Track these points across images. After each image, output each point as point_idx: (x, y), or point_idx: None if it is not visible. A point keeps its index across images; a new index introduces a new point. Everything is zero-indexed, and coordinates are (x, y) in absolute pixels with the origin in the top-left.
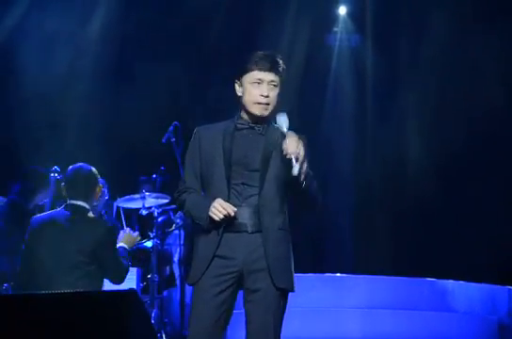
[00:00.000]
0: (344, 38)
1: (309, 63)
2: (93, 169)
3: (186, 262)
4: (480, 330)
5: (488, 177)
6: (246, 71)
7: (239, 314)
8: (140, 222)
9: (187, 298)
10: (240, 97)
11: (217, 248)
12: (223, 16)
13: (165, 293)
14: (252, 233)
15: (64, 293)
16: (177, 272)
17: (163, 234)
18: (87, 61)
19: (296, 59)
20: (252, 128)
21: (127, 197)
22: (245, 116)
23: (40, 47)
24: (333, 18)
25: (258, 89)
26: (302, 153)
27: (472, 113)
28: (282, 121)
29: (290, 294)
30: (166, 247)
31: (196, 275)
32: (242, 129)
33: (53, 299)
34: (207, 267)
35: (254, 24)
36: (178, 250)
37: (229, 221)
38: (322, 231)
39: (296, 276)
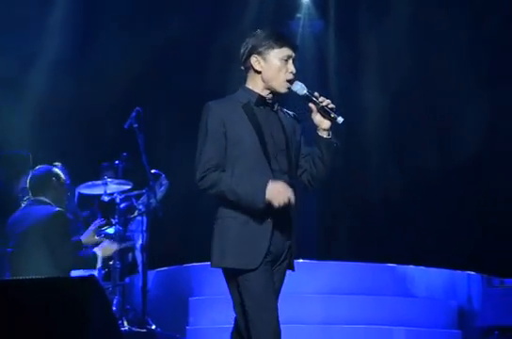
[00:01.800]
0: (306, 24)
1: None
2: (48, 169)
3: (149, 248)
4: (440, 315)
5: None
6: (274, 46)
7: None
8: (102, 209)
9: (150, 285)
10: (258, 72)
11: (272, 234)
12: (186, 3)
13: (127, 280)
14: (287, 223)
15: (22, 279)
16: (139, 259)
17: (125, 221)
18: (45, 46)
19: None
20: (268, 105)
21: (89, 183)
22: (262, 91)
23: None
24: (296, 4)
25: (287, 67)
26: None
27: (434, 101)
28: (301, 86)
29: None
30: (128, 233)
31: (255, 261)
32: (260, 105)
33: (11, 286)
34: (267, 253)
35: (217, 10)
36: (140, 236)
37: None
38: (304, 218)
39: None
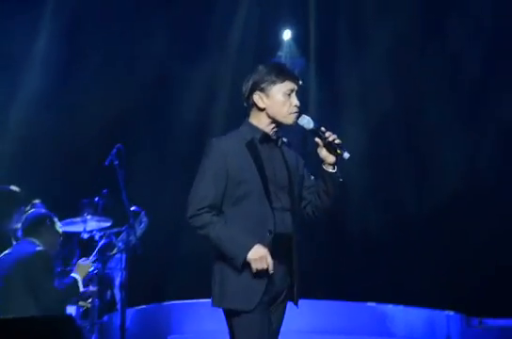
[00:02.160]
0: (288, 62)
1: None
2: (43, 212)
3: (128, 286)
4: None
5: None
6: (276, 81)
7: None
8: (81, 246)
9: (128, 323)
10: (261, 109)
11: (269, 278)
12: (169, 41)
13: (105, 318)
14: (287, 262)
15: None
16: (118, 296)
17: (104, 258)
18: (26, 81)
19: (242, 83)
20: (272, 141)
21: (68, 220)
22: (266, 128)
23: None
24: (278, 42)
25: (291, 100)
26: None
27: (414, 137)
28: (308, 120)
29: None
30: (107, 271)
31: (252, 303)
32: (264, 142)
33: None
34: (263, 294)
35: (199, 48)
36: (120, 274)
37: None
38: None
39: None
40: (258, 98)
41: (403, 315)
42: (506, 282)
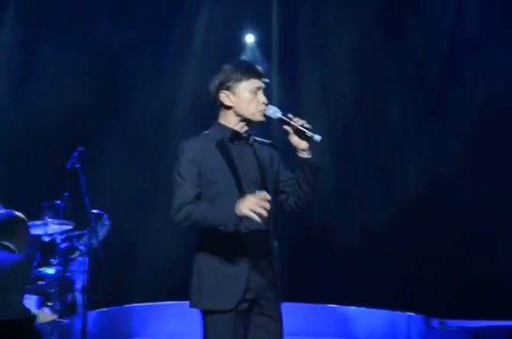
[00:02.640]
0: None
1: None
2: (14, 214)
3: (90, 289)
4: None
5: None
6: (241, 79)
7: None
8: (42, 249)
9: (89, 326)
10: (229, 107)
11: (249, 276)
12: (128, 47)
13: (66, 321)
14: (265, 258)
15: None
16: (79, 300)
17: (66, 261)
18: None
19: (204, 87)
20: (243, 138)
21: (29, 223)
22: (235, 126)
23: None
24: (240, 46)
25: (258, 98)
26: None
27: (376, 143)
28: (274, 110)
29: (192, 322)
30: (68, 274)
31: (231, 302)
32: (234, 141)
33: None
34: (243, 295)
35: (161, 50)
36: (81, 277)
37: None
38: None
39: None
40: (225, 96)
41: (364, 317)
42: (467, 283)
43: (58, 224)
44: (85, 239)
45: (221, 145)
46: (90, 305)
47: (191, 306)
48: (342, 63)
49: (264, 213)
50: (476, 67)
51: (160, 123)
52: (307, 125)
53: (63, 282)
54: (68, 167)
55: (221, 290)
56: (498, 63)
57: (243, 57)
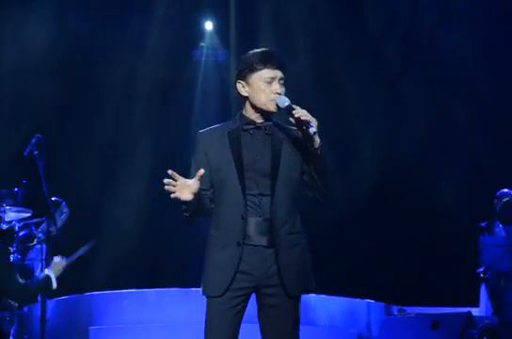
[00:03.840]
0: (210, 53)
1: (176, 77)
2: None
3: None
4: None
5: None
6: (254, 69)
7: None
8: (0, 237)
9: (49, 314)
10: (245, 97)
11: (239, 263)
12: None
13: (25, 309)
14: (268, 247)
15: None
16: None
17: (24, 249)
18: None
19: (164, 73)
20: (259, 128)
21: None
22: (252, 116)
23: None
24: (200, 33)
25: (271, 88)
26: (314, 119)
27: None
28: (283, 99)
29: (152, 310)
30: (27, 262)
31: (220, 289)
32: (248, 130)
33: None
34: (231, 282)
35: (118, 36)
36: (40, 264)
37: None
38: (186, 244)
39: (160, 291)
40: (240, 86)
41: (324, 304)
42: (425, 271)
43: (16, 212)
44: (43, 227)
45: (233, 134)
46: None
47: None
48: (300, 47)
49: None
50: (433, 49)
51: (118, 109)
52: (304, 117)
53: (22, 270)
54: (26, 154)
55: (212, 277)
56: (453, 45)
57: (200, 48)
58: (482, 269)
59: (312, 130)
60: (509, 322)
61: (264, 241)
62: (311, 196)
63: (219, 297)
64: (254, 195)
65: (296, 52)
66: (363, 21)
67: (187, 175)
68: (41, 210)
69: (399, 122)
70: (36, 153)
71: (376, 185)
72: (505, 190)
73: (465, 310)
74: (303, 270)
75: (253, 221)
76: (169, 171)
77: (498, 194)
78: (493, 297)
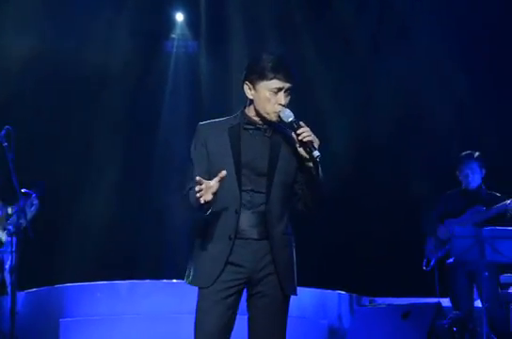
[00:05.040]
0: (181, 44)
1: (147, 69)
2: None
3: (19, 269)
4: (311, 335)
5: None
6: (263, 77)
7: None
8: None
9: (19, 306)
10: (250, 99)
11: (230, 254)
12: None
13: None
14: (259, 240)
15: None
16: (8, 280)
17: None
18: None
19: (134, 65)
20: (259, 129)
21: None
22: (253, 117)
23: None
24: (170, 24)
25: (276, 98)
26: (316, 139)
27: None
28: (288, 114)
29: (124, 302)
30: None
31: (209, 280)
32: (248, 129)
33: None
34: (220, 273)
35: (89, 26)
36: (10, 257)
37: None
38: (159, 236)
39: (132, 282)
40: (247, 88)
41: (295, 296)
42: (396, 262)
43: None
44: (13, 219)
45: (233, 130)
46: (20, 285)
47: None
48: (269, 37)
49: (208, 197)
50: (404, 41)
51: (86, 99)
52: (307, 139)
53: None
54: None
55: (202, 268)
56: (426, 37)
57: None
58: (425, 261)
59: (316, 153)
60: (468, 312)
61: (255, 234)
62: (297, 207)
63: (208, 288)
64: (247, 191)
65: (265, 42)
66: (334, 10)
67: (165, 167)
68: (11, 202)
69: (371, 113)
70: (5, 144)
71: (345, 177)
72: None
73: (434, 300)
74: (293, 272)
75: (245, 215)
76: (197, 178)
77: None
78: (447, 289)
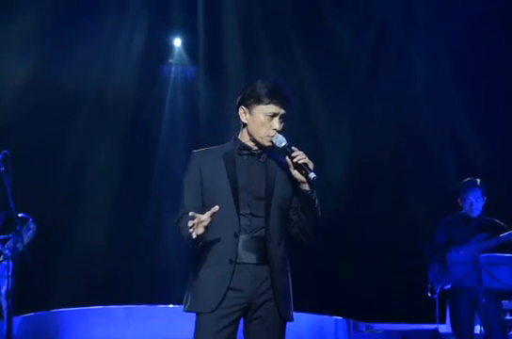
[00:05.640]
0: (178, 70)
1: (144, 94)
2: None
3: (15, 293)
4: None
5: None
6: (260, 101)
7: None
8: None
9: (15, 331)
10: (244, 124)
11: (231, 279)
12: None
13: None
14: (259, 264)
15: None
16: (4, 304)
17: None
18: None
19: (132, 89)
20: (253, 155)
21: None
22: (247, 142)
23: None
24: (168, 49)
25: (271, 123)
26: (311, 161)
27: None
28: (280, 139)
29: (119, 326)
30: None
31: (210, 305)
32: (243, 155)
33: None
34: (223, 299)
35: (87, 51)
36: (6, 281)
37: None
38: (154, 261)
39: (128, 307)
40: (242, 112)
41: (292, 321)
42: (393, 288)
43: None
44: (10, 243)
45: (228, 156)
46: (16, 310)
47: (183, 310)
48: (267, 62)
49: (199, 231)
50: (402, 62)
51: (83, 124)
52: (302, 161)
53: None
54: None
55: (203, 293)
56: (423, 58)
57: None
58: (429, 288)
59: (312, 175)
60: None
61: (253, 259)
62: (292, 232)
63: (210, 313)
64: (245, 215)
65: (263, 67)
66: (332, 31)
67: (162, 192)
68: (8, 226)
69: (368, 131)
70: (2, 169)
71: (340, 200)
72: None
73: (432, 326)
74: (290, 297)
75: (244, 239)
76: (190, 214)
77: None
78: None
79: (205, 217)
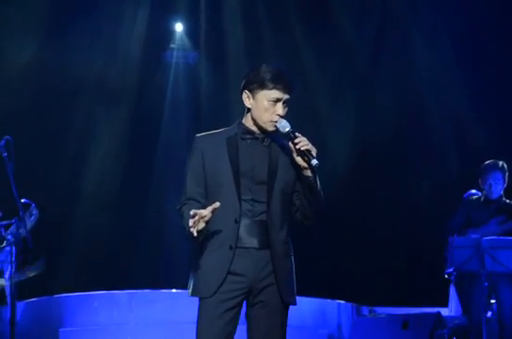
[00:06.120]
0: (180, 55)
1: (146, 79)
2: None
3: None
4: None
5: None
6: (263, 87)
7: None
8: None
9: (18, 316)
10: (248, 108)
11: (231, 264)
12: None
13: None
14: (260, 249)
15: None
16: (7, 290)
17: None
18: None
19: (134, 75)
20: (257, 139)
21: None
22: (250, 126)
23: None
24: (169, 35)
25: (274, 108)
26: (314, 148)
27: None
28: (284, 124)
29: (123, 311)
30: None
31: (210, 290)
32: (246, 139)
33: None
34: (222, 283)
35: (91, 36)
36: (9, 267)
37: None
38: (157, 246)
39: (131, 292)
40: (246, 97)
41: (294, 305)
42: (395, 271)
43: None
44: (12, 229)
45: (231, 140)
46: (19, 295)
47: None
48: (269, 49)
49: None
50: (404, 51)
51: (85, 110)
52: (305, 147)
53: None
54: None
55: (203, 278)
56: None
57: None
58: (451, 270)
59: (314, 162)
60: (478, 322)
61: (255, 243)
62: (295, 217)
63: (209, 298)
64: (247, 200)
65: (265, 52)
66: (334, 20)
67: (165, 176)
68: (10, 212)
69: (371, 117)
70: (5, 154)
71: (343, 185)
72: (473, 191)
73: (434, 310)
74: (293, 282)
75: (245, 224)
76: (192, 212)
77: (465, 195)
78: (461, 297)
79: (206, 213)
